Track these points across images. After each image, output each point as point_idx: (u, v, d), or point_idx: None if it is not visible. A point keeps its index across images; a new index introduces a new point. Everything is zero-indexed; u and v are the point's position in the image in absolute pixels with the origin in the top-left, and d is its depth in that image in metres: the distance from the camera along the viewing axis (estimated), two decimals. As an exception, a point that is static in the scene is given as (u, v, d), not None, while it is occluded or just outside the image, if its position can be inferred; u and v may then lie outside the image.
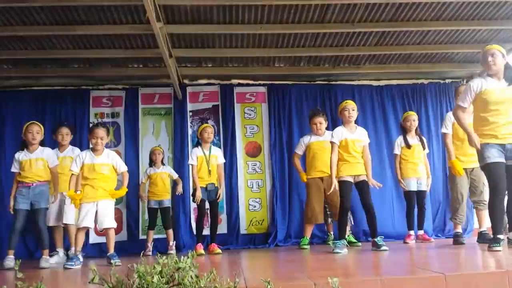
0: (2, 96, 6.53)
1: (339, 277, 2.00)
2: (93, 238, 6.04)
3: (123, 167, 4.62)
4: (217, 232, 5.43)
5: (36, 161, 4.62)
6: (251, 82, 7.00)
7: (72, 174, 4.40)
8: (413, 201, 5.44)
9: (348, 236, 4.99)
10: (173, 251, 5.62)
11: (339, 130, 4.60)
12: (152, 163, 6.05)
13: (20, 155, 4.66)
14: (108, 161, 4.50)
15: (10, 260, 4.31)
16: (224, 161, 5.69)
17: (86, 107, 6.64)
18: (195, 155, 5.36)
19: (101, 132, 4.45)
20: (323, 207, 5.30)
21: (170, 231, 5.84)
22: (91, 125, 5.80)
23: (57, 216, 5.02)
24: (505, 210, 3.75)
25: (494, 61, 3.77)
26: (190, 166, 5.43)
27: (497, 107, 3.71)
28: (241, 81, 6.99)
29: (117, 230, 6.02)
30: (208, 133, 5.43)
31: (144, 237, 6.04)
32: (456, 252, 3.90)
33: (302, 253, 4.68)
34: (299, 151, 5.58)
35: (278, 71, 6.87)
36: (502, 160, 3.64)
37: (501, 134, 3.68)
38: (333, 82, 7.09)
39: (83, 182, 4.40)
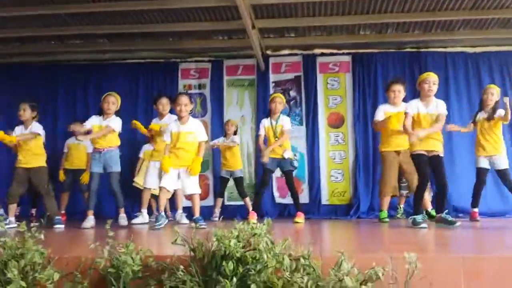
0: (99, 68, 7.07)
1: (417, 252, 1.97)
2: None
3: (201, 137, 4.65)
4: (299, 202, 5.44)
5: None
6: (334, 51, 6.85)
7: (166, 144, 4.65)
8: (483, 179, 5.06)
9: (431, 210, 4.78)
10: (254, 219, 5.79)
11: (414, 102, 4.34)
12: (225, 134, 6.22)
13: (95, 120, 5.01)
14: (192, 129, 4.62)
15: (89, 221, 4.71)
16: (289, 127, 5.40)
17: (175, 79, 6.98)
18: (263, 125, 5.35)
19: (183, 99, 4.55)
20: (397, 181, 5.13)
21: (247, 199, 6.00)
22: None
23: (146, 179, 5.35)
24: None
25: None
26: (258, 136, 5.43)
27: None
28: (324, 51, 6.86)
29: (203, 196, 6.41)
30: (276, 103, 5.30)
31: (231, 203, 6.30)
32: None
33: (381, 226, 4.60)
34: (379, 117, 5.17)
35: (364, 39, 6.63)
36: None
37: None
38: (423, 50, 6.69)
39: (170, 149, 4.62)
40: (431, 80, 4.28)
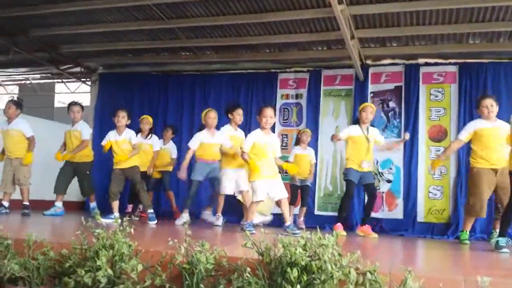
0: (205, 79, 7.55)
1: (493, 276, 1.86)
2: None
3: (277, 153, 4.73)
4: (387, 217, 5.31)
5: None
6: (439, 61, 6.51)
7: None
8: None
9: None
10: (302, 226, 5.77)
11: None
12: (299, 143, 6.24)
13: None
14: (272, 141, 4.70)
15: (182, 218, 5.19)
16: (383, 139, 5.36)
17: (274, 89, 7.19)
18: (352, 131, 5.26)
19: (269, 111, 4.61)
20: (484, 203, 4.58)
21: (304, 209, 6.17)
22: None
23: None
24: None
25: None
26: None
27: None
28: (428, 60, 6.56)
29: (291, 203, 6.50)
30: (367, 113, 5.19)
31: (319, 213, 6.32)
32: None
33: (467, 247, 4.27)
34: (463, 137, 4.77)
35: (472, 48, 6.23)
36: None
37: None
38: (543, 59, 6.07)
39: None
40: (488, 103, 4.00)
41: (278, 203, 4.86)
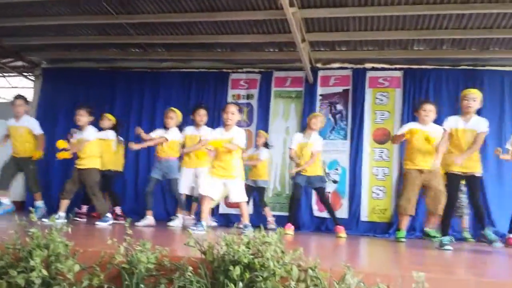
0: (155, 76, 7.41)
1: (428, 272, 1.93)
2: (223, 209, 6.57)
3: (241, 144, 4.68)
4: (338, 217, 5.46)
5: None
6: (386, 66, 6.74)
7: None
8: None
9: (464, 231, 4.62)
10: (273, 226, 5.83)
11: (452, 118, 4.25)
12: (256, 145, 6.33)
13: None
14: (233, 136, 4.66)
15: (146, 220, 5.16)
16: (320, 149, 5.42)
17: (225, 89, 7.17)
18: (295, 140, 5.40)
19: (232, 107, 4.65)
20: (416, 200, 4.89)
21: (267, 209, 6.16)
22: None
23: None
24: None
25: None
26: (289, 150, 5.50)
27: None
28: (375, 65, 6.78)
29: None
30: (316, 122, 5.39)
31: (276, 213, 6.35)
32: None
33: (409, 245, 4.46)
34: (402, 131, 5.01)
35: (417, 55, 6.49)
36: None
37: None
38: (480, 68, 6.43)
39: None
40: (471, 96, 4.21)
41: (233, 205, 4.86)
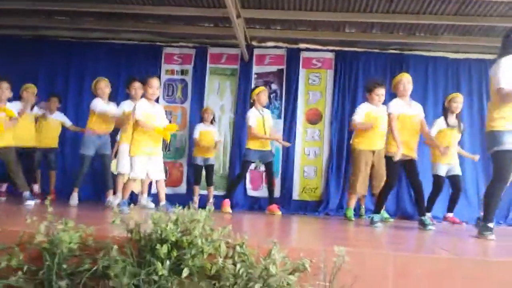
0: (83, 47, 6.99)
1: (351, 247, 2.02)
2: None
3: (166, 121, 4.67)
4: (265, 196, 5.61)
5: None
6: (319, 47, 6.85)
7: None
8: (441, 186, 5.28)
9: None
10: (211, 207, 5.81)
11: (397, 103, 4.36)
12: (203, 121, 6.23)
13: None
14: (160, 112, 4.60)
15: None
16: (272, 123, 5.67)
17: (158, 63, 6.92)
18: (254, 117, 5.41)
19: (156, 82, 4.49)
20: (366, 182, 5.15)
21: (211, 188, 6.10)
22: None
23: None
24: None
25: None
26: (249, 128, 5.46)
27: None
28: (309, 46, 6.86)
29: (177, 183, 6.47)
30: (266, 96, 5.47)
31: (204, 192, 6.28)
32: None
33: (337, 222, 4.68)
34: (359, 119, 5.18)
35: (348, 37, 6.63)
36: None
37: None
38: (407, 52, 6.72)
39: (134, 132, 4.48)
40: (406, 80, 4.38)
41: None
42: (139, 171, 4.32)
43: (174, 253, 1.99)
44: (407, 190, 6.19)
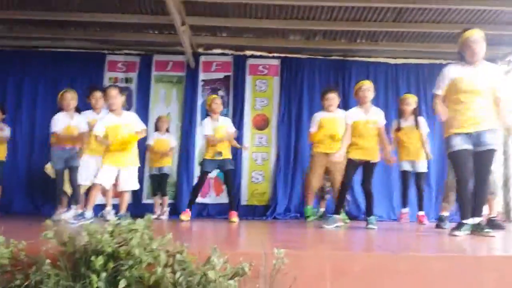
0: (24, 55, 6.71)
1: (293, 249, 2.05)
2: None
3: (144, 127, 4.69)
4: (213, 202, 5.58)
5: None
6: (264, 54, 6.94)
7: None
8: (407, 181, 5.44)
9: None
10: (165, 217, 5.81)
11: (353, 111, 4.59)
12: (157, 129, 6.14)
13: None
14: (129, 121, 4.55)
15: None
16: (234, 129, 5.62)
17: (101, 71, 6.76)
18: (208, 126, 5.36)
19: (113, 90, 4.45)
20: (320, 182, 5.39)
21: (166, 198, 6.03)
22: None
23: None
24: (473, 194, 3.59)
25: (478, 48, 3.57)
26: (205, 137, 5.41)
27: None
28: (255, 53, 6.94)
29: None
30: (217, 104, 5.43)
31: (148, 201, 6.19)
32: (426, 235, 3.83)
33: (282, 226, 4.74)
34: (313, 128, 5.46)
35: (293, 44, 6.77)
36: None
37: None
38: (349, 58, 6.94)
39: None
40: (365, 87, 4.55)
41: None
42: (103, 179, 4.28)
43: (111, 265, 1.93)
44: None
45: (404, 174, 5.45)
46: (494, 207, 5.04)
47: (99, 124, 4.44)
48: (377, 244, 2.80)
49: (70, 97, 5.00)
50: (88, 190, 4.96)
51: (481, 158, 3.54)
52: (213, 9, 5.90)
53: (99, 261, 1.90)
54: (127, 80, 6.79)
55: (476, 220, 3.50)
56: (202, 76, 6.81)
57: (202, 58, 6.85)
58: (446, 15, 5.77)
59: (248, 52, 6.94)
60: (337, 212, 4.48)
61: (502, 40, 6.44)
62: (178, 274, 1.96)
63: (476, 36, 3.60)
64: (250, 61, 6.88)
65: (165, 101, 6.78)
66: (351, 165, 4.45)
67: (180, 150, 6.55)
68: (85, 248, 1.98)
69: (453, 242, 3.03)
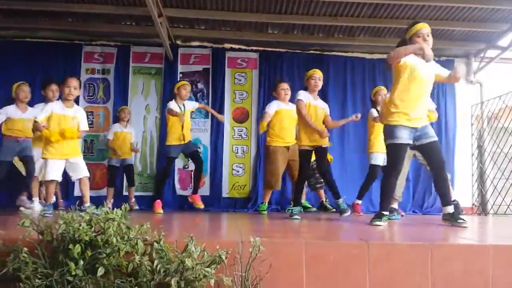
0: (-4, 46, 6.55)
1: (267, 237, 2.10)
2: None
3: (86, 128, 4.59)
4: (201, 195, 5.62)
5: None
6: (243, 47, 6.95)
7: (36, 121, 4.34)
8: (376, 175, 5.20)
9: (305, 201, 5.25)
10: (136, 207, 5.91)
11: (305, 93, 4.63)
12: (119, 121, 6.15)
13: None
14: (77, 115, 4.46)
15: None
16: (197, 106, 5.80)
17: (77, 62, 6.66)
18: (176, 107, 5.34)
19: (74, 81, 4.37)
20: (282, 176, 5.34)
21: (133, 189, 6.10)
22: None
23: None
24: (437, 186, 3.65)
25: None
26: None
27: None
28: (233, 46, 6.94)
29: (101, 185, 6.29)
30: (187, 91, 5.47)
31: (126, 193, 6.19)
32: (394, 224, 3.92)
33: (261, 217, 4.78)
34: (272, 111, 5.26)
35: (271, 38, 6.80)
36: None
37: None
38: (326, 53, 7.01)
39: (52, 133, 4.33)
40: (317, 76, 4.65)
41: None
42: (54, 174, 4.25)
43: (89, 253, 1.95)
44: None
45: (374, 168, 5.14)
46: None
47: (45, 110, 4.34)
48: (352, 233, 2.88)
49: (28, 90, 5.08)
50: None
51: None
52: (191, 1, 5.89)
53: (77, 249, 1.92)
54: (104, 71, 6.71)
55: (449, 209, 3.60)
56: (180, 68, 6.78)
57: (181, 50, 6.82)
58: (422, 11, 5.89)
59: (227, 45, 6.94)
60: (297, 203, 4.47)
61: (475, 37, 6.62)
62: (156, 262, 1.99)
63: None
64: (229, 54, 6.88)
65: (144, 92, 6.74)
66: (304, 153, 4.50)
67: (160, 143, 6.52)
68: (63, 236, 1.99)
69: (376, 231, 3.07)
